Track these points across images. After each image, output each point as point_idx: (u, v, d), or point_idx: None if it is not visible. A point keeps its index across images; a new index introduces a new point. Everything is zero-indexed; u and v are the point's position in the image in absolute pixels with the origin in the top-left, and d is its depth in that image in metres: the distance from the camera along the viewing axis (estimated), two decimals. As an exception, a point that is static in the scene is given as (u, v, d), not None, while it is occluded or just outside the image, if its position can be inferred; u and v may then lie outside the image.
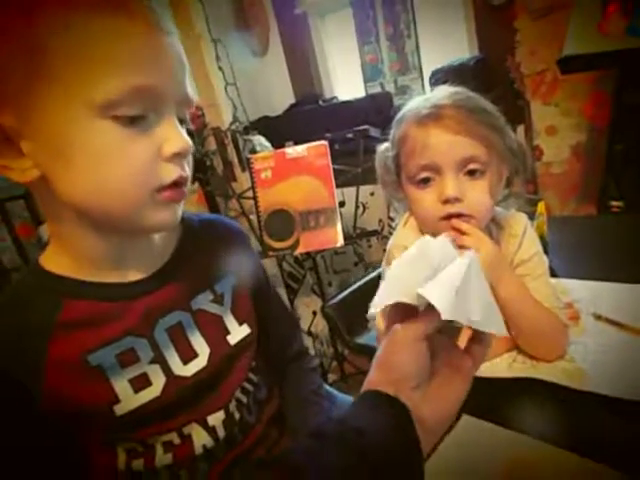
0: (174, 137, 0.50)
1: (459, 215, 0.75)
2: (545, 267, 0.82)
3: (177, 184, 0.51)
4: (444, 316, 0.39)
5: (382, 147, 0.85)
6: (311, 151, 1.52)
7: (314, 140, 1.55)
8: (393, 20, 2.82)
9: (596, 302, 0.88)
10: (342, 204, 1.90)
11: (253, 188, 1.56)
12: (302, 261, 2.15)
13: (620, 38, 1.37)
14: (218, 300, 0.64)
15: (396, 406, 0.41)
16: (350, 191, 2.04)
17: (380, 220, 2.36)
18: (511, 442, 0.62)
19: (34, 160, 0.47)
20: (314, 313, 2.12)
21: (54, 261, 0.55)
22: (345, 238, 1.53)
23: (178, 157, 0.50)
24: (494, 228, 0.83)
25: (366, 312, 1.22)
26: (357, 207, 2.07)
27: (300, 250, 1.53)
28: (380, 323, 0.91)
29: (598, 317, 0.83)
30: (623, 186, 1.79)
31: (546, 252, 0.89)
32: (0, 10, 0.44)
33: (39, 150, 0.46)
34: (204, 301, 0.63)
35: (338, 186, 1.53)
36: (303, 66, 3.09)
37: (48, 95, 0.44)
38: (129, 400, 0.54)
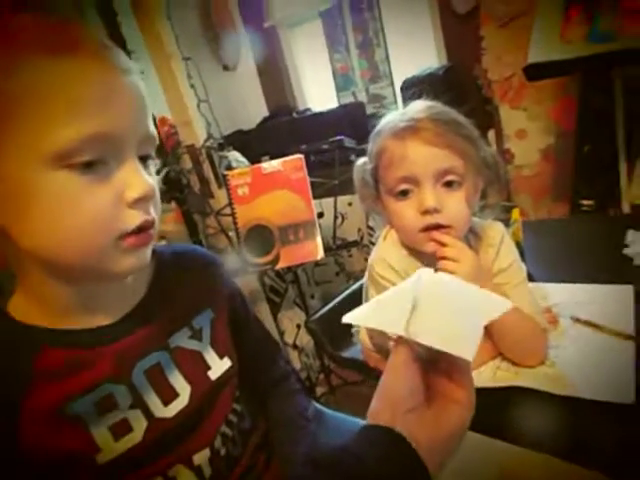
0: (136, 182, 0.48)
1: (438, 226, 0.76)
2: (523, 274, 0.84)
3: (142, 229, 0.49)
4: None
5: (360, 162, 0.86)
6: (287, 165, 1.52)
7: (290, 153, 1.55)
8: (362, 28, 2.86)
9: (574, 305, 0.89)
10: (320, 215, 1.91)
11: (231, 205, 1.56)
12: (283, 274, 2.14)
13: (582, 44, 1.42)
14: (197, 336, 0.63)
15: (394, 436, 0.42)
16: (328, 202, 2.05)
17: (359, 229, 2.37)
18: (500, 452, 0.63)
19: None
20: (298, 326, 2.11)
21: (22, 310, 0.53)
22: (325, 250, 1.53)
23: (141, 202, 0.48)
24: (472, 238, 0.85)
25: (350, 325, 1.22)
26: (336, 218, 2.08)
27: (281, 265, 1.53)
28: (365, 338, 0.91)
29: (576, 320, 0.85)
30: (593, 185, 1.84)
31: (523, 258, 0.91)
32: None
33: None
34: (182, 338, 0.61)
35: (316, 197, 1.54)
36: (275, 79, 3.11)
37: None
38: (110, 448, 0.52)
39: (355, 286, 1.32)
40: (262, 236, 1.56)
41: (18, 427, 0.48)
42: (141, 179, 0.48)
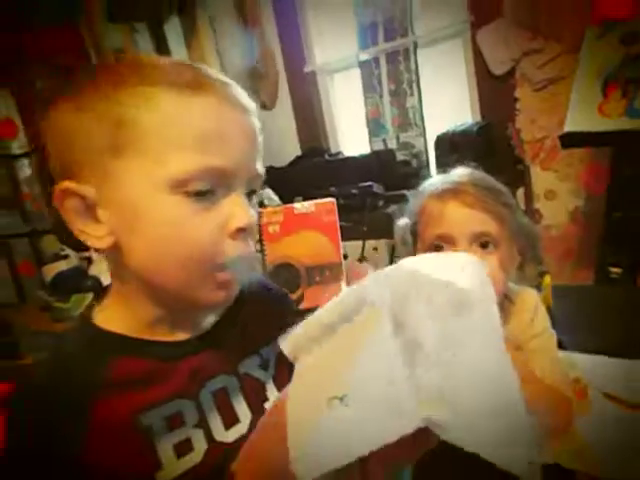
0: (240, 213, 0.50)
1: None
2: (554, 342, 0.84)
3: None
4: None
5: (401, 221, 0.89)
6: (319, 207, 1.55)
7: (319, 194, 1.59)
8: (396, 78, 2.95)
9: (602, 378, 0.89)
10: (344, 257, 1.93)
11: (261, 241, 1.59)
12: (304, 313, 2.15)
13: (619, 119, 1.45)
14: (264, 366, 0.63)
15: None
16: (352, 245, 2.08)
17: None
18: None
19: (109, 227, 0.48)
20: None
21: (107, 317, 0.54)
22: (348, 293, 1.54)
23: (243, 233, 0.50)
24: (507, 304, 0.86)
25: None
26: (361, 261, 2.11)
27: (305, 305, 1.53)
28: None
29: (605, 395, 0.85)
30: (621, 253, 1.84)
31: (553, 324, 0.91)
32: (90, 84, 0.48)
33: (113, 218, 0.48)
34: (251, 366, 0.61)
35: (342, 240, 1.56)
36: (310, 120, 3.20)
37: (124, 168, 0.46)
38: (172, 467, 0.50)
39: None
40: (289, 274, 1.58)
41: (86, 434, 0.47)
42: (245, 211, 0.50)
